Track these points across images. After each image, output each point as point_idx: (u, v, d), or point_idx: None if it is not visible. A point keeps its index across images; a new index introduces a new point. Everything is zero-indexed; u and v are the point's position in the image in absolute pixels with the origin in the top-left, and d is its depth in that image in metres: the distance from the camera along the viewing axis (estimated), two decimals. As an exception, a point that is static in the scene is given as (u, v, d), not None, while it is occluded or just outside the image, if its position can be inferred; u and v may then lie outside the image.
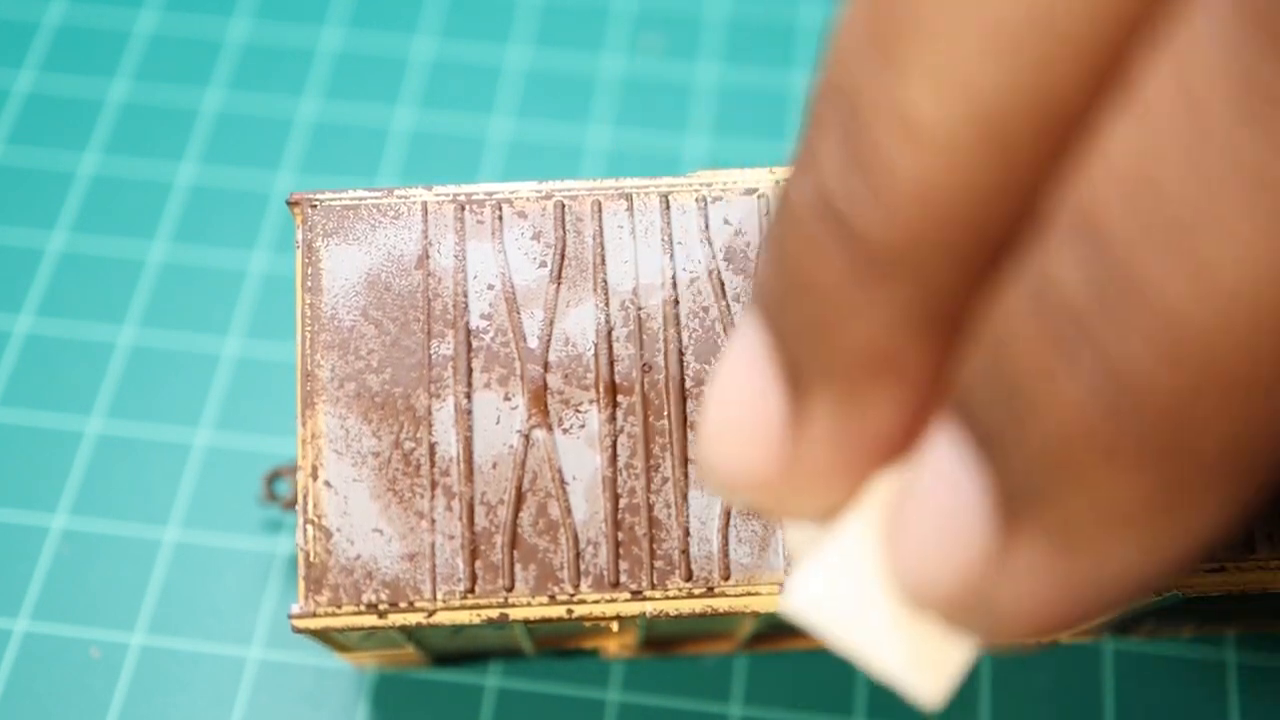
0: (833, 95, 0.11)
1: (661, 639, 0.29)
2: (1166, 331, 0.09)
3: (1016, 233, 0.11)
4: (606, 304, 0.22)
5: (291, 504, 0.31)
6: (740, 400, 0.13)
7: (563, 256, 0.23)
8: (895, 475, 0.13)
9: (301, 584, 0.21)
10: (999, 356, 0.10)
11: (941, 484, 0.12)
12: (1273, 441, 0.10)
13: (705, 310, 0.22)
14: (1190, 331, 0.09)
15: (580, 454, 0.22)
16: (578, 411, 0.22)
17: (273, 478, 0.31)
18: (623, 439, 0.22)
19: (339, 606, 0.21)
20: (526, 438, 0.22)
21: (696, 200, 0.23)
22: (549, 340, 0.22)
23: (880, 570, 0.14)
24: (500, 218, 0.23)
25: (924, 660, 0.14)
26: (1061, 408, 0.10)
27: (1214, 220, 0.09)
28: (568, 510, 0.22)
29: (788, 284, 0.12)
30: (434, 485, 0.22)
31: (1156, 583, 0.11)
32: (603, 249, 0.23)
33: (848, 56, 0.11)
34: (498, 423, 0.22)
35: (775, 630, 0.29)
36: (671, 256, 0.23)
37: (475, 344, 0.22)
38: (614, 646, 0.30)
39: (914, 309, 0.11)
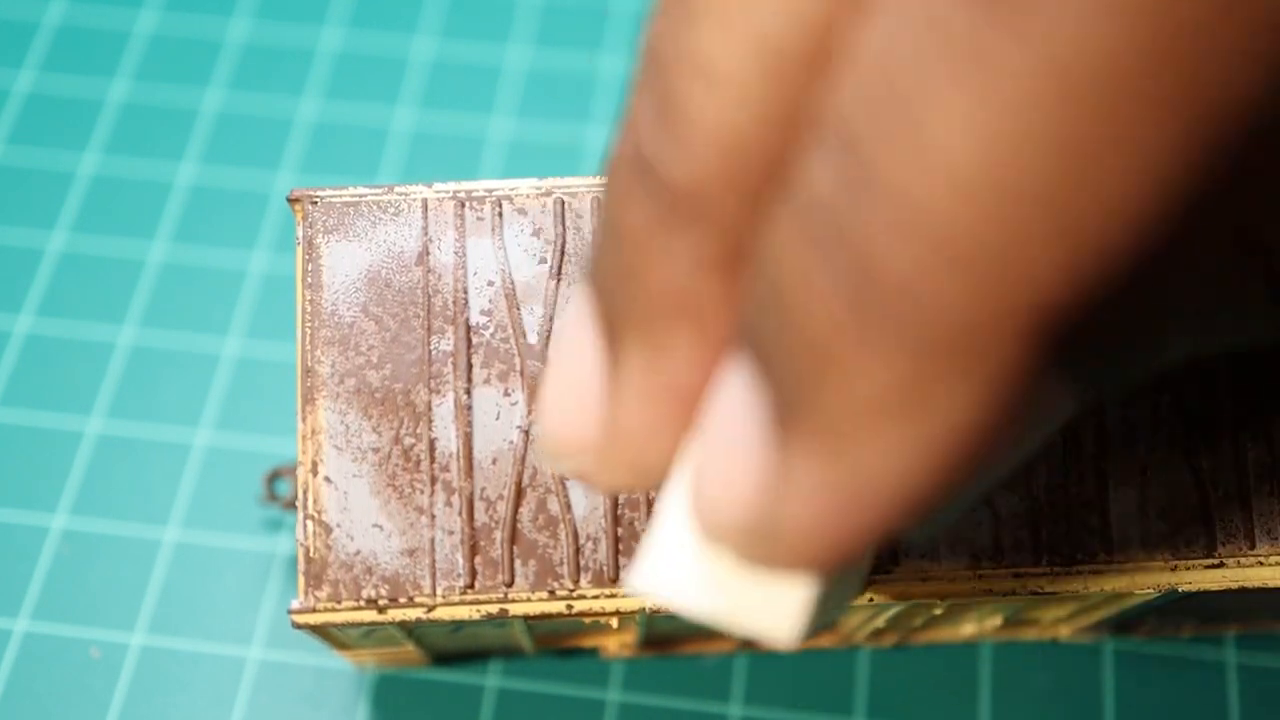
0: (647, 56, 0.12)
1: (661, 637, 0.29)
2: (900, 212, 0.10)
3: (793, 162, 0.11)
4: (606, 300, 0.22)
5: (291, 504, 0.31)
6: (566, 366, 0.14)
7: (563, 253, 0.23)
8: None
9: (301, 579, 0.21)
10: (769, 270, 0.11)
11: (725, 415, 0.13)
12: (1008, 320, 0.10)
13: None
14: (919, 208, 0.10)
15: (580, 450, 0.22)
16: (577, 407, 0.22)
17: (273, 477, 0.31)
18: (622, 435, 0.22)
19: (339, 602, 0.21)
20: (526, 433, 0.22)
21: (696, 197, 0.23)
22: (549, 336, 0.22)
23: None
24: (500, 214, 0.23)
25: (769, 606, 0.14)
26: (817, 303, 0.11)
27: (933, 99, 0.09)
28: (567, 506, 0.22)
29: (606, 234, 0.13)
30: (434, 481, 0.22)
31: (930, 490, 0.11)
32: (602, 245, 0.23)
33: (658, 17, 0.12)
34: (498, 418, 0.22)
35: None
36: (671, 253, 0.23)
37: (475, 340, 0.22)
38: (614, 645, 0.30)
39: (709, 249, 0.12)
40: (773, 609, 0.15)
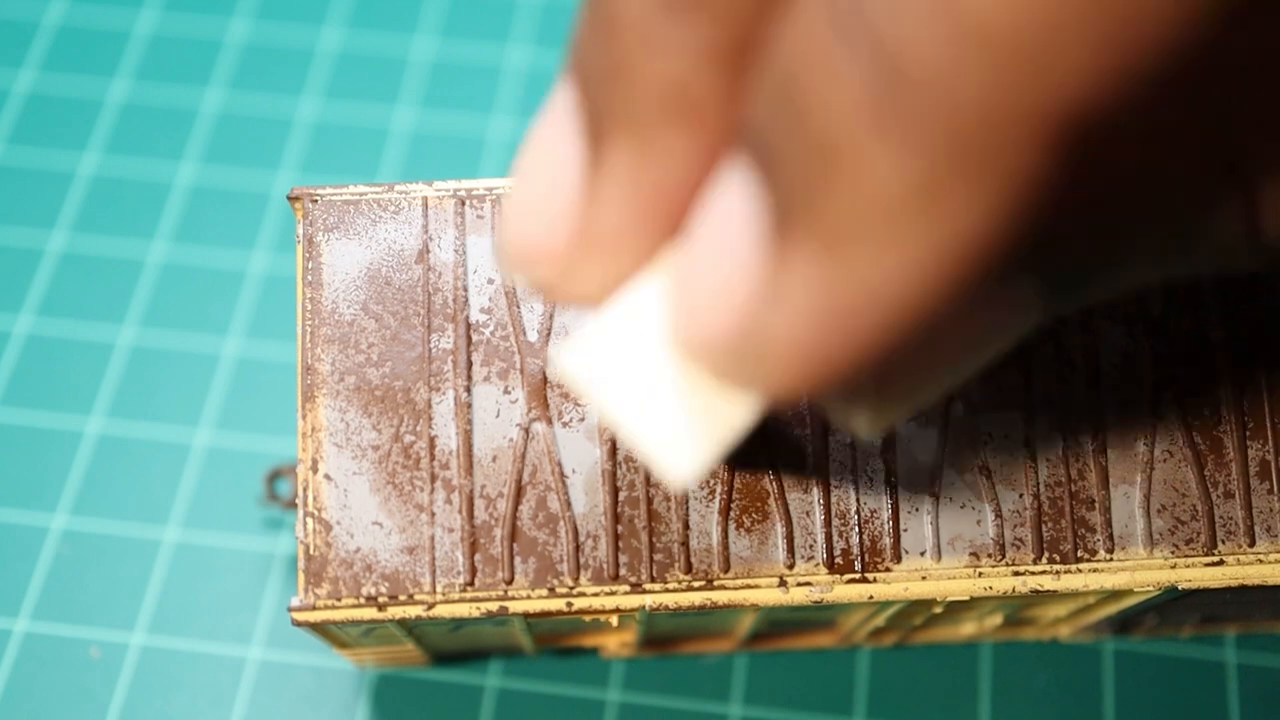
0: None
1: (661, 637, 0.29)
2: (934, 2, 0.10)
3: None
4: (606, 298, 0.22)
5: (292, 503, 0.31)
6: (540, 167, 0.13)
7: (562, 251, 0.23)
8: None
9: (301, 577, 0.21)
10: (782, 60, 0.11)
11: (717, 222, 0.12)
12: (1032, 121, 0.10)
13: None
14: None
15: (580, 447, 0.22)
16: (577, 405, 0.22)
17: (273, 477, 0.31)
18: (622, 432, 0.22)
19: (338, 599, 0.21)
20: (526, 431, 0.22)
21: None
22: (549, 334, 0.22)
23: (661, 338, 0.14)
24: (500, 213, 0.23)
25: (686, 434, 0.14)
26: (835, 91, 0.10)
27: None
28: (567, 503, 0.22)
29: (594, 24, 0.12)
30: (433, 478, 0.22)
31: (926, 301, 0.11)
32: (602, 243, 0.23)
33: None
34: (497, 416, 0.22)
35: (775, 628, 0.29)
36: (671, 251, 0.23)
37: (475, 338, 0.22)
38: (614, 645, 0.30)
39: (714, 40, 0.11)
40: (688, 436, 0.14)
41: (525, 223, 0.13)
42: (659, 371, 0.14)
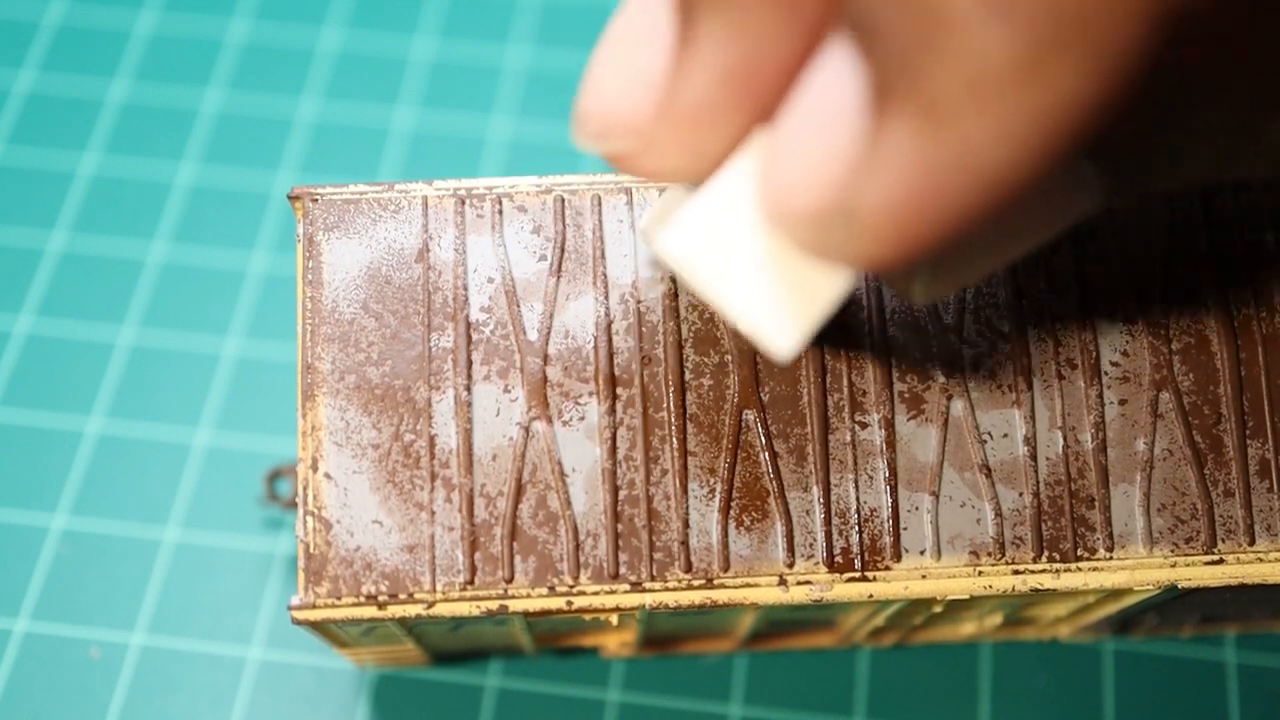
0: None
1: (661, 637, 0.29)
2: None
3: None
4: (606, 297, 0.22)
5: (292, 503, 0.31)
6: (629, 39, 0.13)
7: (562, 250, 0.23)
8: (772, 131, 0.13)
9: (301, 575, 0.21)
10: None
11: (816, 96, 0.12)
12: (1131, 13, 0.10)
13: (704, 303, 0.23)
14: None
15: (580, 446, 0.22)
16: (577, 404, 0.22)
17: (274, 477, 0.31)
18: (622, 431, 0.22)
19: (339, 598, 0.21)
20: (526, 430, 0.22)
21: (696, 194, 0.23)
22: (549, 333, 0.22)
23: (755, 216, 0.14)
24: (500, 212, 0.23)
25: (785, 306, 0.15)
26: None
27: None
28: (567, 502, 0.22)
29: None
30: (434, 477, 0.22)
31: (1019, 172, 0.11)
32: (602, 243, 0.23)
33: None
34: (497, 415, 0.22)
35: (775, 628, 0.29)
36: (671, 250, 0.23)
37: (475, 337, 0.22)
38: (614, 644, 0.30)
39: None
40: (788, 311, 0.15)
41: (608, 91, 0.13)
42: (755, 249, 0.14)
